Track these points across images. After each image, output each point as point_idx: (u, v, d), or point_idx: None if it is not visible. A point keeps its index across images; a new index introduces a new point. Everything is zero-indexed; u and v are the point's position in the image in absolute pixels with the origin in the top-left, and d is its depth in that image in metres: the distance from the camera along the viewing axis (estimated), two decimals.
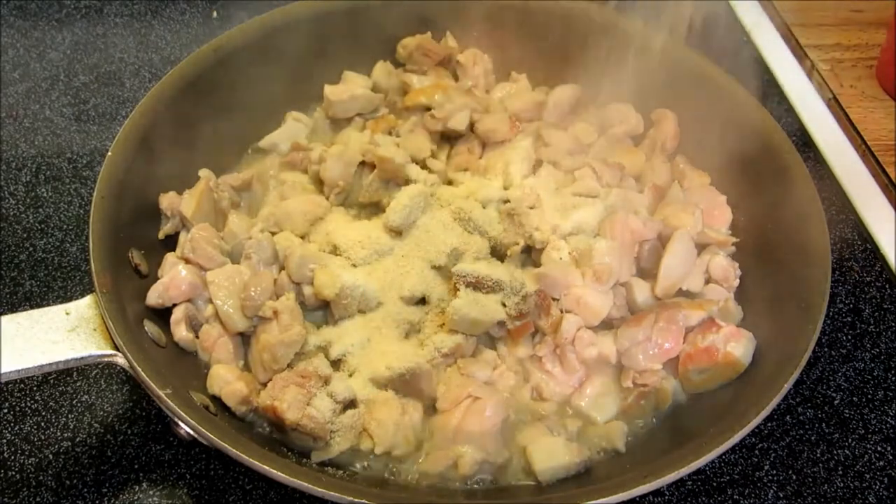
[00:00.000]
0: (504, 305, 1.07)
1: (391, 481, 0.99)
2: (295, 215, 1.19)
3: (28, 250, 1.30)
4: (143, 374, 0.91)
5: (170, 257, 1.13)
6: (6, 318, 0.94)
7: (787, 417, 1.15)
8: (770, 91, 1.65)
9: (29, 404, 1.11)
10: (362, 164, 1.24)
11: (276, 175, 1.32)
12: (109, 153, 1.11)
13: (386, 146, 1.23)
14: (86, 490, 1.03)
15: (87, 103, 1.56)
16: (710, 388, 1.07)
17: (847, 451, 1.12)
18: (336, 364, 1.05)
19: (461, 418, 1.00)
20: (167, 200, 1.17)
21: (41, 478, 1.04)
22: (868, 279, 1.33)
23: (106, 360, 0.95)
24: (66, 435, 1.08)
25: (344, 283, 1.07)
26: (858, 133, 1.54)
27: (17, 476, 1.04)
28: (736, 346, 1.05)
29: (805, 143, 1.54)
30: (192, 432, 0.91)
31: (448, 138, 1.31)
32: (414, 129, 1.31)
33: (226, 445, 0.86)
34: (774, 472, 1.09)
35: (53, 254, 1.30)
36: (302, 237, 1.18)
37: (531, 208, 1.18)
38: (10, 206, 1.37)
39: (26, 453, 1.06)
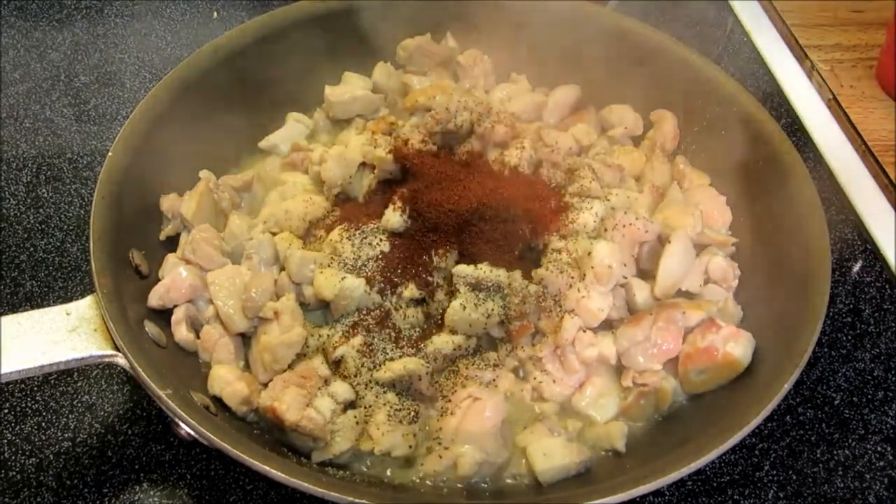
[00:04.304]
0: (504, 306, 1.07)
1: (391, 482, 0.99)
2: (295, 216, 1.19)
3: (29, 251, 1.30)
4: (143, 374, 0.91)
5: (171, 258, 1.13)
6: (7, 319, 0.94)
7: (788, 418, 1.15)
8: (770, 91, 1.65)
9: (30, 405, 1.12)
10: (363, 164, 1.24)
11: (276, 176, 1.32)
12: (110, 153, 1.11)
13: (386, 147, 1.23)
14: (86, 490, 1.03)
15: (87, 104, 1.57)
16: (709, 388, 1.07)
17: (847, 452, 1.12)
18: (336, 365, 1.05)
19: (461, 418, 1.00)
20: (168, 202, 1.17)
21: (42, 478, 1.04)
22: (868, 279, 1.33)
23: (106, 360, 0.95)
24: (66, 435, 1.09)
25: (344, 284, 1.07)
26: (858, 133, 1.54)
27: (18, 476, 1.04)
28: (735, 346, 1.06)
29: (805, 143, 1.54)
30: (192, 432, 0.91)
31: (448, 139, 1.31)
32: (414, 130, 1.31)
33: (226, 446, 0.86)
34: (774, 472, 1.09)
35: (54, 254, 1.30)
36: (302, 238, 1.18)
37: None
38: (10, 206, 1.37)
39: (27, 454, 1.07)
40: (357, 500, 0.83)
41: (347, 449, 0.98)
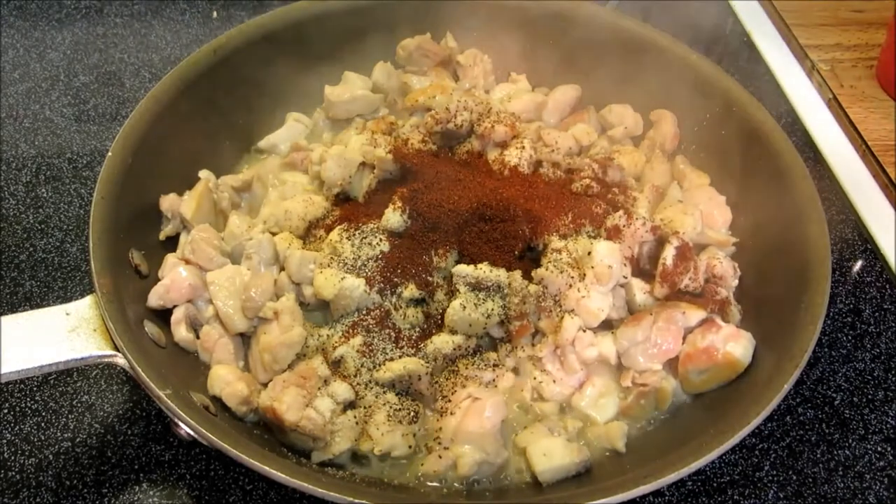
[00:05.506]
0: (504, 306, 1.07)
1: (391, 482, 0.99)
2: (295, 215, 1.19)
3: (28, 250, 1.30)
4: (143, 374, 0.91)
5: (170, 258, 1.13)
6: (6, 319, 0.94)
7: (788, 418, 1.15)
8: (770, 91, 1.65)
9: (29, 405, 1.12)
10: (362, 164, 1.24)
11: (276, 175, 1.32)
12: (109, 153, 1.11)
13: (385, 147, 1.23)
14: (86, 490, 1.03)
15: (87, 103, 1.57)
16: (710, 388, 1.07)
17: (847, 452, 1.12)
18: (336, 365, 1.05)
19: (461, 419, 1.00)
20: (168, 202, 1.17)
21: (41, 478, 1.04)
22: (868, 279, 1.33)
23: (106, 360, 0.95)
24: (66, 435, 1.08)
25: (344, 284, 1.07)
26: (858, 133, 1.54)
27: (18, 476, 1.04)
28: (735, 346, 1.06)
29: (805, 143, 1.54)
30: (192, 433, 0.91)
31: (448, 139, 1.31)
32: (414, 130, 1.31)
33: (226, 446, 0.86)
34: (775, 472, 1.09)
35: (53, 254, 1.30)
36: (302, 238, 1.18)
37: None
38: (10, 206, 1.37)
39: (26, 454, 1.07)
40: (357, 501, 0.83)
41: (347, 449, 0.98)
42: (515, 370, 1.09)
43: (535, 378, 1.08)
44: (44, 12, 1.76)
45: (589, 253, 1.09)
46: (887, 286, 1.32)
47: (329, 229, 1.18)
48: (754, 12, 1.84)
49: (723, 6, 1.85)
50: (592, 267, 1.08)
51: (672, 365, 1.09)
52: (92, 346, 0.94)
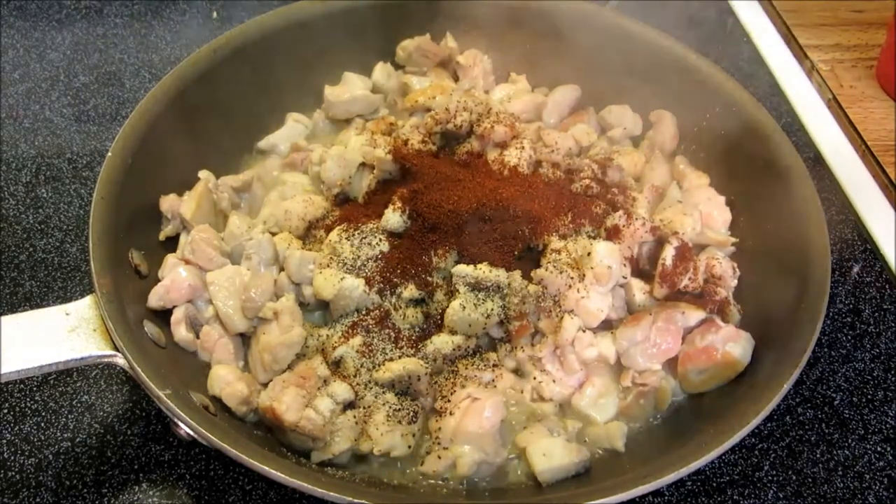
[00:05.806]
0: (503, 306, 1.07)
1: (391, 482, 0.99)
2: (295, 216, 1.19)
3: (28, 251, 1.30)
4: (142, 374, 0.91)
5: (170, 258, 1.13)
6: (6, 319, 0.94)
7: (787, 418, 1.15)
8: (770, 91, 1.65)
9: (29, 405, 1.12)
10: (362, 165, 1.24)
11: (276, 176, 1.32)
12: (109, 154, 1.11)
13: (385, 147, 1.23)
14: (86, 490, 1.03)
15: (87, 104, 1.57)
16: (709, 388, 1.07)
17: (847, 452, 1.12)
18: (336, 365, 1.05)
19: (460, 419, 1.00)
20: (167, 203, 1.17)
21: (41, 478, 1.04)
22: (868, 279, 1.33)
23: (106, 360, 0.95)
24: (65, 435, 1.09)
25: (343, 284, 1.07)
26: (858, 133, 1.54)
27: (17, 476, 1.04)
28: (735, 346, 1.06)
29: (805, 143, 1.54)
30: (191, 433, 0.91)
31: (448, 139, 1.31)
32: (414, 130, 1.31)
33: (225, 446, 0.86)
34: (774, 472, 1.09)
35: (53, 254, 1.30)
36: (302, 238, 1.18)
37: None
38: (10, 206, 1.37)
39: (26, 454, 1.07)
40: (357, 501, 0.83)
41: (346, 449, 0.98)
42: (515, 370, 1.09)
43: (534, 378, 1.08)
44: (44, 12, 1.76)
45: (588, 253, 1.09)
46: (887, 286, 1.32)
47: (329, 229, 1.18)
48: (754, 12, 1.84)
49: (723, 6, 1.85)
50: (592, 267, 1.08)
51: (671, 365, 1.09)
52: (92, 346, 0.94)
